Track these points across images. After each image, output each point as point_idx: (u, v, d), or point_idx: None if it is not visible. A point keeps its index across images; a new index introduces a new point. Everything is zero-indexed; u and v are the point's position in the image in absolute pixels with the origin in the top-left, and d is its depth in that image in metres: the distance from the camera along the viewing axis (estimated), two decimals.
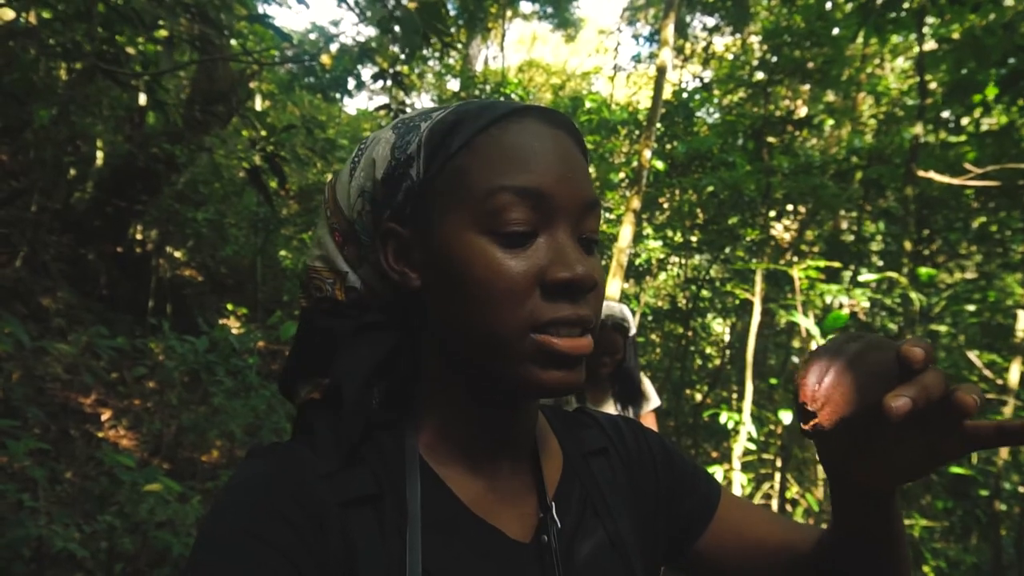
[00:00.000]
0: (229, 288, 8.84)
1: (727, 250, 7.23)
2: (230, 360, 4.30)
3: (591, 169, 8.18)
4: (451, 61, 12.25)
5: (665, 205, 8.08)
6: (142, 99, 6.39)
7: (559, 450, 0.68)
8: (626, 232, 5.78)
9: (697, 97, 7.80)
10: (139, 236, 7.53)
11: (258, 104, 8.60)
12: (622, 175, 8.03)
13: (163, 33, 3.25)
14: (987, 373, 4.88)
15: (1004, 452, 4.56)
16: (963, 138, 5.33)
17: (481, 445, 0.60)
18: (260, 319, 7.99)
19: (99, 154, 7.36)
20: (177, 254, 8.36)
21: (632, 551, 0.64)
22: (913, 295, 4.23)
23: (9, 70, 6.10)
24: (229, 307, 8.22)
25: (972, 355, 5.28)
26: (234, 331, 7.03)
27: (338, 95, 10.23)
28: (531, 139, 0.56)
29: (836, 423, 0.48)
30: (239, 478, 0.54)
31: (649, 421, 2.52)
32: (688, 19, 10.94)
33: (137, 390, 5.64)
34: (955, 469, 4.87)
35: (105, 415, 5.14)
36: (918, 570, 4.45)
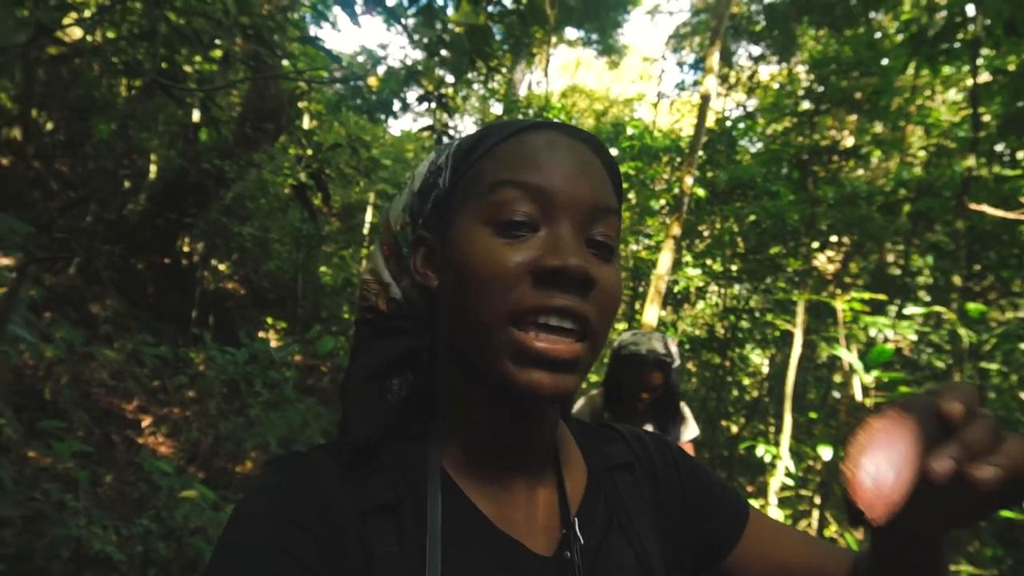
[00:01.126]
0: (270, 302, 9.01)
1: (768, 280, 7.12)
2: (268, 373, 4.37)
3: (631, 195, 8.16)
4: (495, 85, 12.41)
5: (705, 233, 8.01)
6: (196, 115, 6.62)
7: (583, 464, 0.67)
8: (665, 259, 5.74)
9: (741, 125, 7.75)
10: (186, 248, 7.75)
11: (305, 123, 8.82)
12: (663, 202, 7.99)
13: (219, 53, 3.37)
14: None
15: None
16: (1018, 172, 5.18)
17: (500, 456, 0.60)
18: (299, 333, 8.12)
19: (152, 168, 7.62)
20: (222, 267, 8.57)
21: (657, 568, 0.63)
22: (962, 331, 4.10)
23: (74, 86, 6.39)
24: (269, 320, 8.38)
25: None
26: (273, 344, 7.15)
27: (383, 116, 10.42)
28: (543, 144, 0.58)
29: (891, 516, 0.44)
30: (259, 486, 0.54)
31: (688, 450, 2.47)
32: (733, 48, 10.92)
33: (177, 398, 5.76)
34: (1006, 514, 4.65)
35: (146, 421, 5.26)
36: None
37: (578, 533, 0.60)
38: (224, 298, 8.10)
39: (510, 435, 0.60)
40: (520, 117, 9.40)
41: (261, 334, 7.95)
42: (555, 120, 0.62)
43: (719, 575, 0.70)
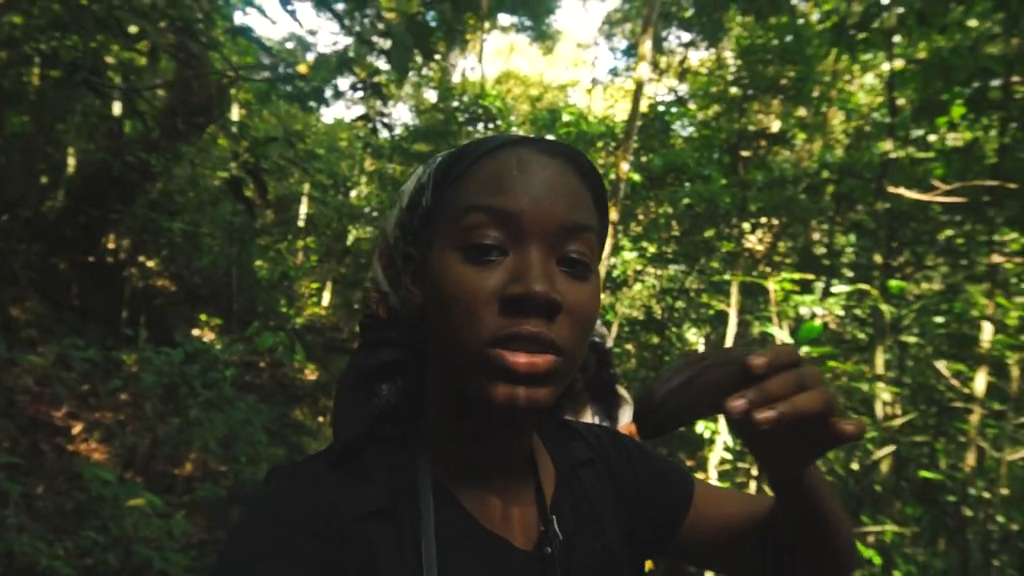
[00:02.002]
0: (203, 298, 8.73)
1: (702, 261, 7.33)
2: (208, 373, 4.25)
3: None
4: (428, 72, 12.28)
5: (641, 217, 8.17)
6: (117, 108, 6.32)
7: (551, 463, 0.71)
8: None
9: (673, 111, 7.92)
10: (111, 245, 7.42)
11: (235, 113, 8.54)
12: None
13: (144, 44, 3.24)
14: (954, 383, 5.01)
15: (971, 459, 4.68)
16: (931, 154, 5.49)
17: (484, 460, 0.63)
18: (235, 330, 7.90)
19: (71, 161, 7.25)
20: (150, 264, 8.25)
21: (620, 554, 0.68)
22: (883, 307, 4.34)
23: None
24: (203, 317, 8.13)
25: (940, 365, 5.41)
26: (207, 341, 6.93)
27: (315, 104, 10.18)
28: (513, 165, 0.58)
29: (670, 425, 0.54)
30: (264, 494, 0.56)
31: (631, 431, 2.55)
32: (664, 33, 11.11)
33: (109, 402, 5.54)
34: (924, 474, 4.98)
35: (76, 428, 5.05)
36: (888, 575, 4.54)
37: (556, 529, 0.64)
38: (154, 296, 7.81)
39: (493, 442, 0.63)
40: (455, 104, 9.34)
41: (195, 332, 7.71)
42: (532, 136, 0.62)
43: (679, 545, 0.76)
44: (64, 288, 6.48)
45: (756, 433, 0.50)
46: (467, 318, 0.56)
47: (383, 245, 0.69)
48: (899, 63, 5.18)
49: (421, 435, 0.63)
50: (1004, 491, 4.76)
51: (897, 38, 5.06)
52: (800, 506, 0.65)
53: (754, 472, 5.30)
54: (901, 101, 5.64)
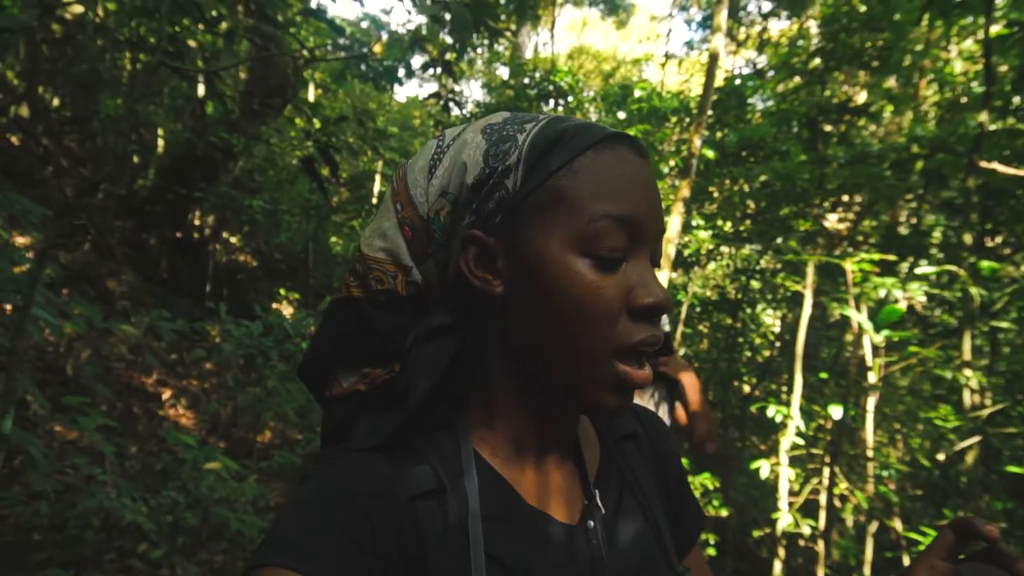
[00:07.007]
0: (282, 273, 9.08)
1: (779, 240, 7.08)
2: (284, 345, 4.43)
3: None
4: (500, 48, 12.23)
5: (715, 194, 7.95)
6: (200, 89, 6.60)
7: (595, 434, 0.72)
8: (675, 222, 5.72)
9: (750, 84, 7.63)
10: (197, 222, 7.79)
11: (310, 94, 8.77)
12: (672, 164, 7.93)
13: (224, 26, 3.37)
14: None
15: None
16: None
17: (532, 440, 0.64)
18: (312, 304, 8.18)
19: (160, 142, 7.63)
20: (233, 240, 8.62)
21: (662, 523, 0.69)
22: (973, 290, 4.08)
23: (77, 62, 6.36)
24: (282, 292, 8.46)
25: None
26: (287, 315, 7.21)
27: (388, 84, 10.33)
28: (626, 168, 0.59)
29: None
30: (319, 476, 0.58)
31: (695, 383, 2.48)
32: (743, 3, 10.69)
33: (195, 371, 5.86)
34: (1013, 469, 4.70)
35: (166, 394, 5.37)
36: None
37: (599, 503, 0.65)
38: (236, 271, 8.17)
39: (549, 426, 0.65)
40: (526, 81, 9.28)
41: (275, 305, 8.03)
42: (620, 132, 0.61)
43: None
44: (154, 263, 6.86)
45: None
46: (599, 326, 0.57)
47: (409, 214, 0.62)
48: (997, 28, 4.80)
49: (465, 415, 0.64)
50: None
51: (1000, 1, 4.70)
52: None
53: (827, 459, 5.12)
54: (1003, 68, 5.25)
